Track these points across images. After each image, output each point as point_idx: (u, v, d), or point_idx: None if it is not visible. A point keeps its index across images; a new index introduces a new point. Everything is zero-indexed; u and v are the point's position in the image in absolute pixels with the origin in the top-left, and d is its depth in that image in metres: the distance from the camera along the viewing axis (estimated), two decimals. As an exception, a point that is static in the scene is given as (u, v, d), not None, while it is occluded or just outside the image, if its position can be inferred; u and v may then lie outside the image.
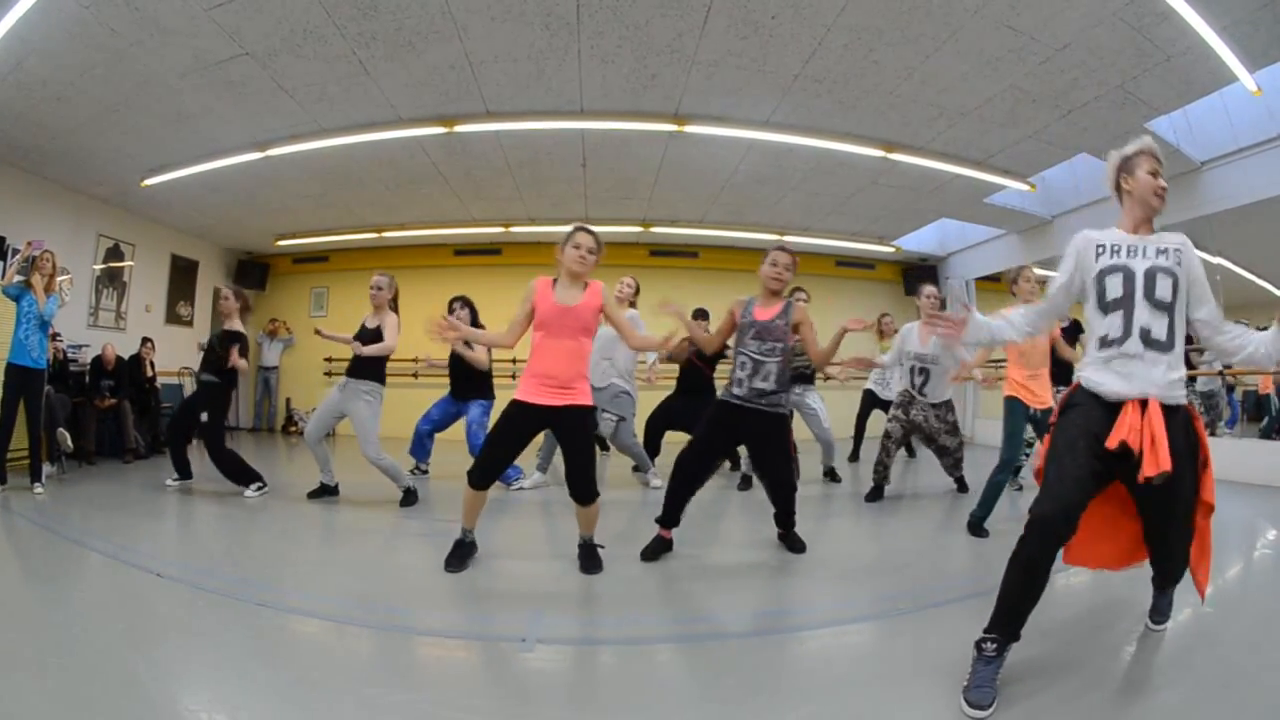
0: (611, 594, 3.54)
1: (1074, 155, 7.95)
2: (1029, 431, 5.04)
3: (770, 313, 4.20)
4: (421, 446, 7.05)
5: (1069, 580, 3.73)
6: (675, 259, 12.18)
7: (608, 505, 4.06)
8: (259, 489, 5.99)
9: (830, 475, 7.19)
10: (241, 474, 6.02)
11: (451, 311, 6.40)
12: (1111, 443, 2.43)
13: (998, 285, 12.20)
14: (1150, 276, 2.57)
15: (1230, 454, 7.05)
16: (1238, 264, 9.55)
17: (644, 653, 2.83)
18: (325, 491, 5.94)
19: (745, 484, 6.64)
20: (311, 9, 5.16)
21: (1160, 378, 2.50)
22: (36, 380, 5.87)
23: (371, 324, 5.73)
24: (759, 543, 4.45)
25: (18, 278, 5.96)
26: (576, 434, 3.78)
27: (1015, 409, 4.91)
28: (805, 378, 6.72)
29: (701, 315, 7.38)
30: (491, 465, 3.78)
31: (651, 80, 6.29)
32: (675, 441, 5.53)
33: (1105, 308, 2.63)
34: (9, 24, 5.15)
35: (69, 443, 6.72)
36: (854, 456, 8.65)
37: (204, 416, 6.11)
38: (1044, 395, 4.98)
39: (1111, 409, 2.52)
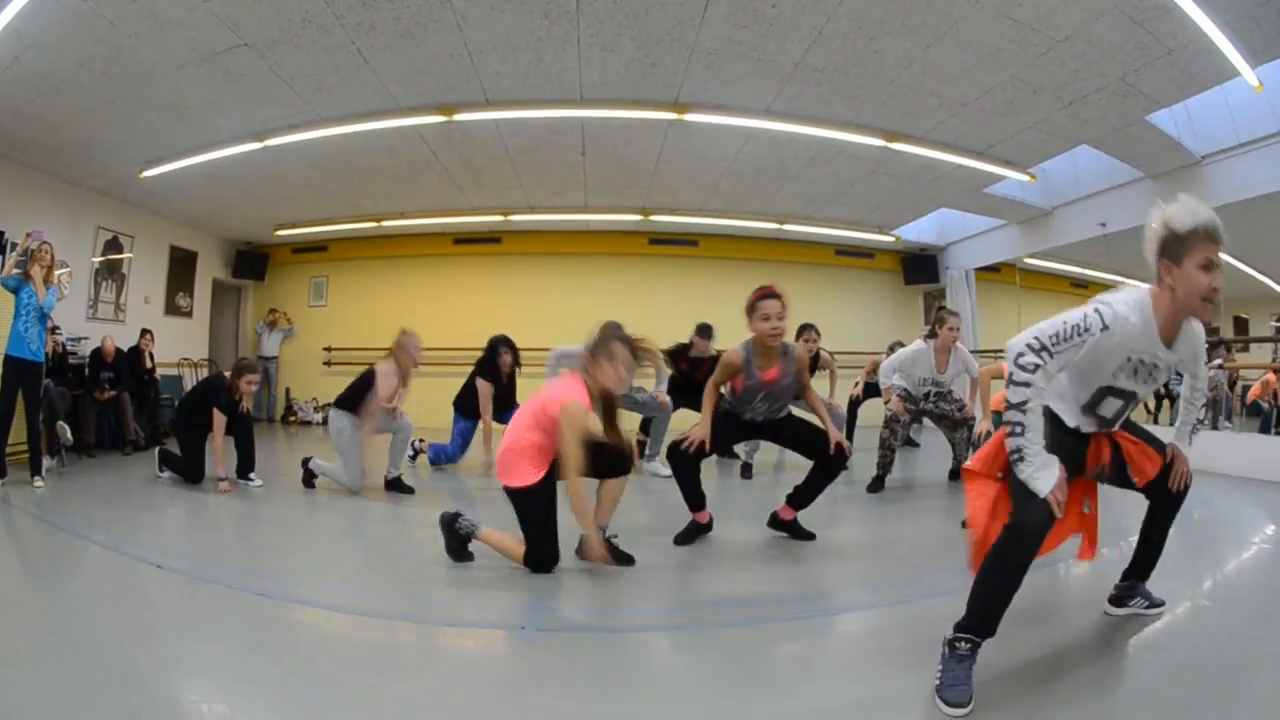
0: (611, 582, 3.54)
1: (1075, 147, 7.94)
2: None
3: (776, 373, 4.13)
4: (445, 458, 7.19)
5: (1055, 573, 3.74)
6: (675, 247, 12.14)
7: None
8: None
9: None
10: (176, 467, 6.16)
11: (496, 353, 6.74)
12: (1091, 468, 2.56)
13: (997, 276, 12.25)
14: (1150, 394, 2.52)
15: (1229, 448, 7.07)
16: (1238, 259, 9.57)
17: (644, 640, 2.84)
18: (400, 487, 5.89)
19: (746, 473, 6.62)
20: (310, -2, 5.14)
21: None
22: (35, 373, 5.86)
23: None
24: (760, 531, 4.45)
25: (16, 270, 5.93)
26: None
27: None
28: None
29: (705, 333, 7.23)
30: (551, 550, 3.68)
31: (651, 68, 6.25)
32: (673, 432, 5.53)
33: (1092, 398, 2.53)
34: (7, 18, 5.11)
35: (69, 435, 6.72)
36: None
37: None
38: None
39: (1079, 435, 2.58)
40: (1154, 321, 2.35)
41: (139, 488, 6.05)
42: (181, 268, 11.39)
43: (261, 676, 2.42)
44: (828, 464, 4.20)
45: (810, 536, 4.32)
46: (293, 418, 12.53)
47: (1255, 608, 3.14)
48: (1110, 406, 2.54)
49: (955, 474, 6.11)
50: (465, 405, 6.95)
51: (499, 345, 6.81)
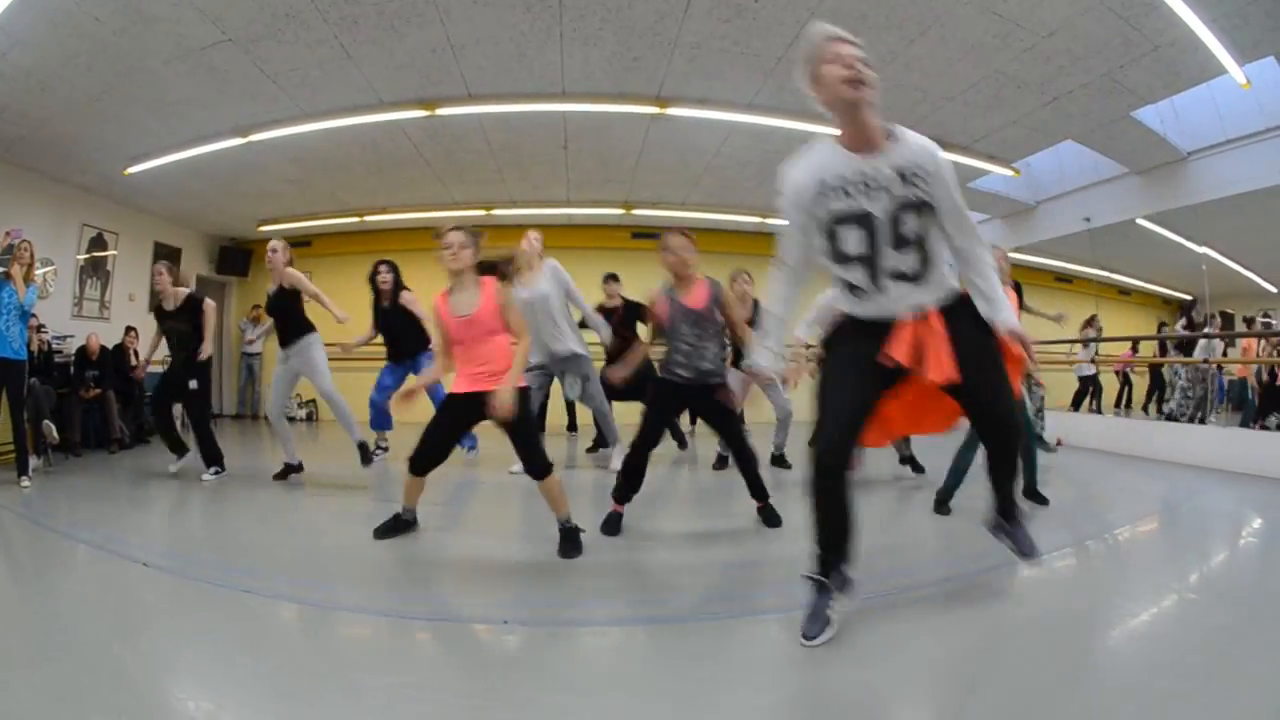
0: (592, 576, 3.56)
1: (1059, 142, 8.00)
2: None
3: (699, 299, 4.28)
4: (384, 415, 6.94)
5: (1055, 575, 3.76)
6: (657, 241, 12.02)
7: (592, 488, 4.06)
8: (216, 473, 6.09)
9: (779, 462, 6.66)
10: (212, 452, 6.15)
11: (377, 273, 6.66)
12: (888, 359, 2.47)
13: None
14: (895, 219, 2.42)
15: (1212, 442, 7.16)
16: (1224, 254, 9.63)
17: (625, 634, 2.86)
18: (291, 470, 6.12)
19: (721, 464, 6.63)
20: (293, -7, 5.13)
21: (922, 299, 2.53)
22: (17, 371, 5.82)
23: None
24: (739, 525, 4.47)
25: (-3, 268, 5.89)
26: (517, 414, 3.81)
27: None
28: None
29: (612, 279, 7.66)
30: (431, 454, 3.97)
31: (634, 62, 6.26)
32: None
33: (844, 260, 2.51)
34: (-6, 17, 5.09)
35: (54, 434, 6.69)
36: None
37: (194, 384, 6.18)
38: None
39: (879, 329, 2.52)
40: (829, 144, 2.47)
41: (125, 486, 6.05)
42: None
43: (247, 673, 2.43)
44: (739, 458, 4.42)
45: (777, 523, 4.39)
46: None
47: (1241, 602, 3.17)
48: (851, 239, 2.48)
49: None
50: (402, 344, 6.77)
51: (378, 265, 6.74)
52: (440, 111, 7.17)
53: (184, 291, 6.29)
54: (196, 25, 5.43)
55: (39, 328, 7.56)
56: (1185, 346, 9.79)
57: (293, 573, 3.66)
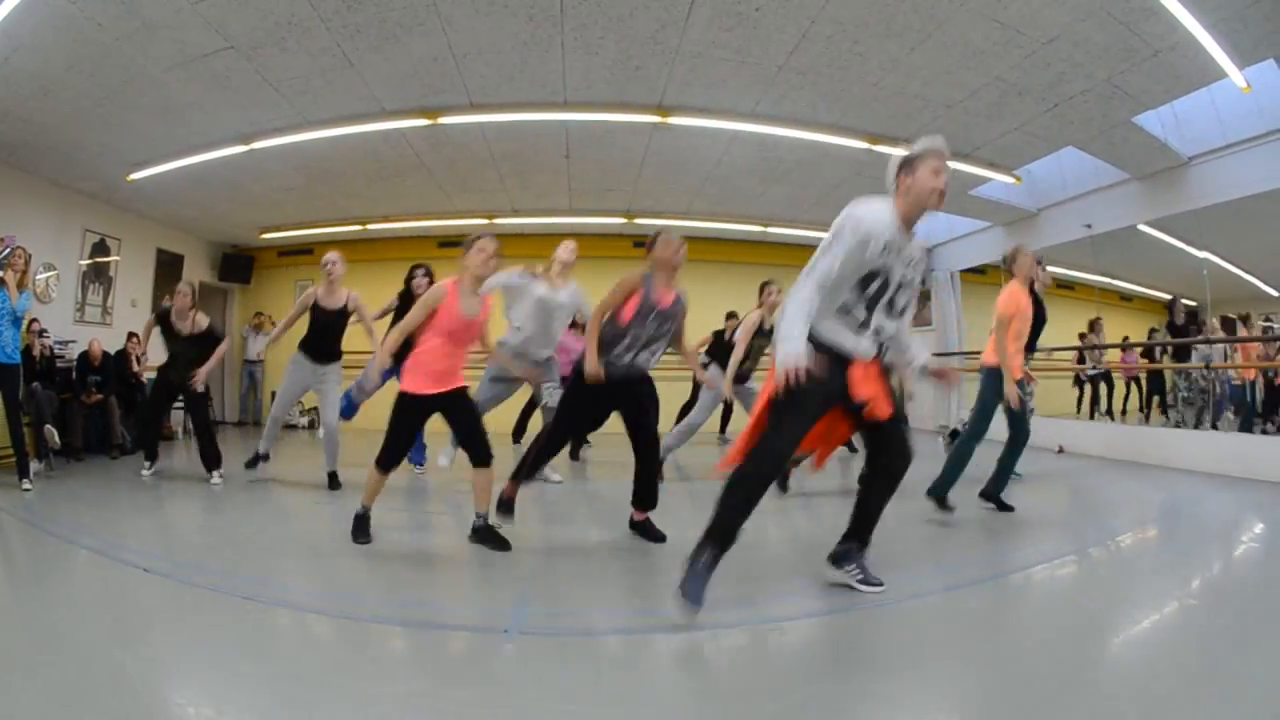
0: (592, 584, 3.57)
1: (1060, 149, 7.99)
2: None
3: (669, 300, 4.30)
4: (353, 409, 6.58)
5: (1058, 579, 3.76)
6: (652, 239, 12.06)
7: (583, 495, 4.05)
8: (222, 476, 6.23)
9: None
10: (215, 456, 6.29)
11: (413, 277, 6.66)
12: (858, 397, 3.06)
13: (982, 278, 12.25)
14: (898, 286, 3.06)
15: (1214, 448, 7.15)
16: (1225, 259, 9.61)
17: (628, 643, 2.85)
18: (259, 460, 6.42)
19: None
20: (296, 2, 5.15)
21: (873, 351, 3.14)
22: (12, 375, 5.81)
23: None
24: (747, 533, 4.45)
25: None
26: (466, 408, 4.21)
27: (999, 382, 4.97)
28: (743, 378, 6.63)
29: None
30: (397, 452, 4.18)
31: (635, 71, 6.28)
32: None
33: (861, 294, 3.01)
34: (-3, 21, 5.11)
35: (56, 439, 6.70)
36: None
37: (200, 387, 6.38)
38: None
39: (840, 363, 3.06)
40: (892, 210, 3.02)
41: (126, 491, 6.04)
42: (168, 271, 11.33)
43: (247, 679, 2.43)
44: (651, 452, 4.38)
45: (661, 539, 4.28)
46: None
47: (1242, 607, 3.17)
48: (875, 285, 3.01)
49: None
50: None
51: (414, 269, 6.72)
52: (442, 120, 7.19)
53: (204, 321, 6.41)
54: (199, 32, 5.46)
55: (41, 333, 7.58)
56: (1178, 351, 9.77)
57: (291, 579, 3.66)
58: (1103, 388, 10.96)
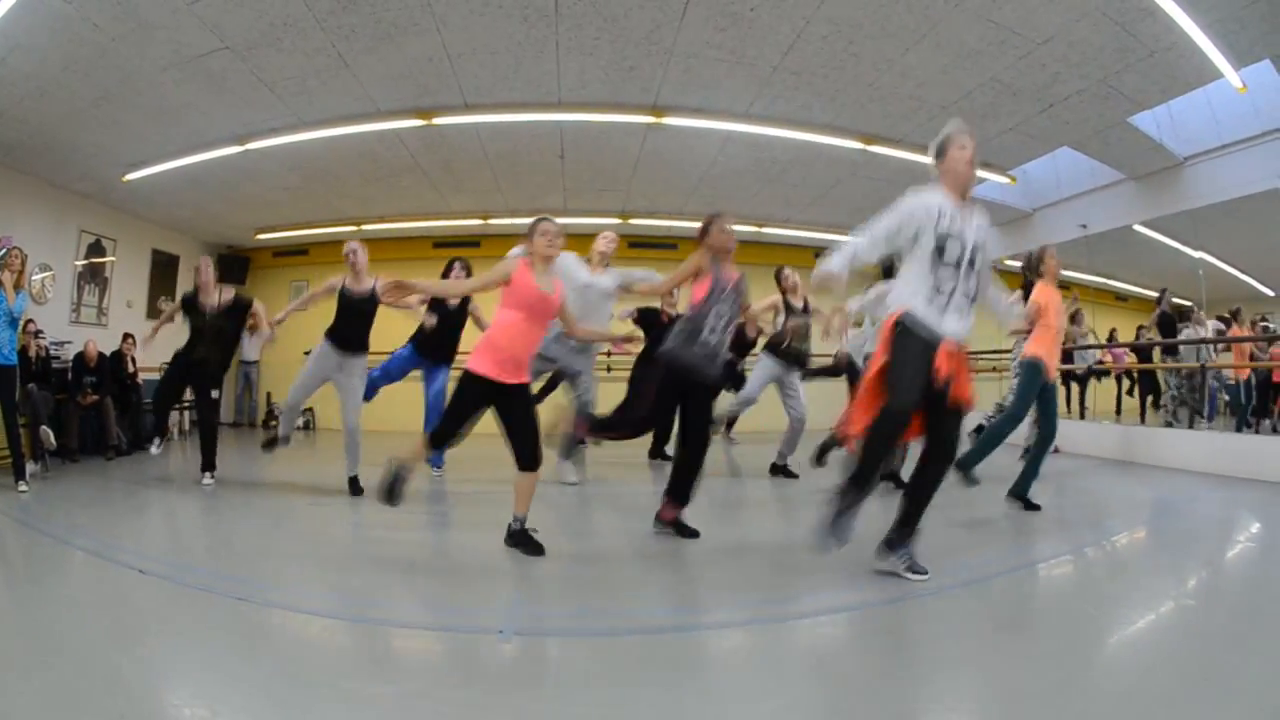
0: (591, 586, 3.56)
1: (1055, 149, 8.02)
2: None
3: (735, 276, 4.41)
4: (372, 392, 6.57)
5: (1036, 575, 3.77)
6: (654, 250, 12.02)
7: (583, 495, 4.06)
8: (214, 479, 6.14)
9: (782, 471, 6.60)
10: (212, 458, 6.22)
11: (451, 269, 6.51)
12: (940, 376, 3.20)
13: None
14: (975, 248, 3.37)
15: (1208, 448, 7.15)
16: (1220, 259, 9.63)
17: (623, 644, 2.85)
18: (279, 442, 6.33)
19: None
20: (291, 2, 5.15)
21: (967, 328, 3.37)
22: (7, 376, 5.81)
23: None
24: (737, 534, 4.46)
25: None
26: (526, 405, 3.99)
27: (1038, 372, 5.08)
28: (799, 359, 6.44)
29: None
30: (453, 431, 3.98)
31: (629, 72, 6.29)
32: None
33: (941, 262, 3.29)
34: (-6, 22, 5.11)
35: (52, 440, 6.69)
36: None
37: (215, 394, 6.54)
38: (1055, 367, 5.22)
39: (930, 343, 3.25)
40: (941, 189, 3.41)
41: (121, 492, 6.05)
42: (163, 271, 11.33)
43: (241, 680, 2.43)
44: (701, 448, 4.36)
45: (694, 534, 4.27)
46: (274, 422, 12.41)
47: (1239, 605, 3.18)
48: (953, 250, 3.31)
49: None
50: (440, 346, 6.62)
51: (452, 262, 6.60)
52: (437, 121, 7.20)
53: (230, 292, 6.40)
54: (195, 33, 5.46)
55: (37, 334, 7.57)
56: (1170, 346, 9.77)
57: (288, 580, 3.66)
58: (1092, 384, 10.92)
